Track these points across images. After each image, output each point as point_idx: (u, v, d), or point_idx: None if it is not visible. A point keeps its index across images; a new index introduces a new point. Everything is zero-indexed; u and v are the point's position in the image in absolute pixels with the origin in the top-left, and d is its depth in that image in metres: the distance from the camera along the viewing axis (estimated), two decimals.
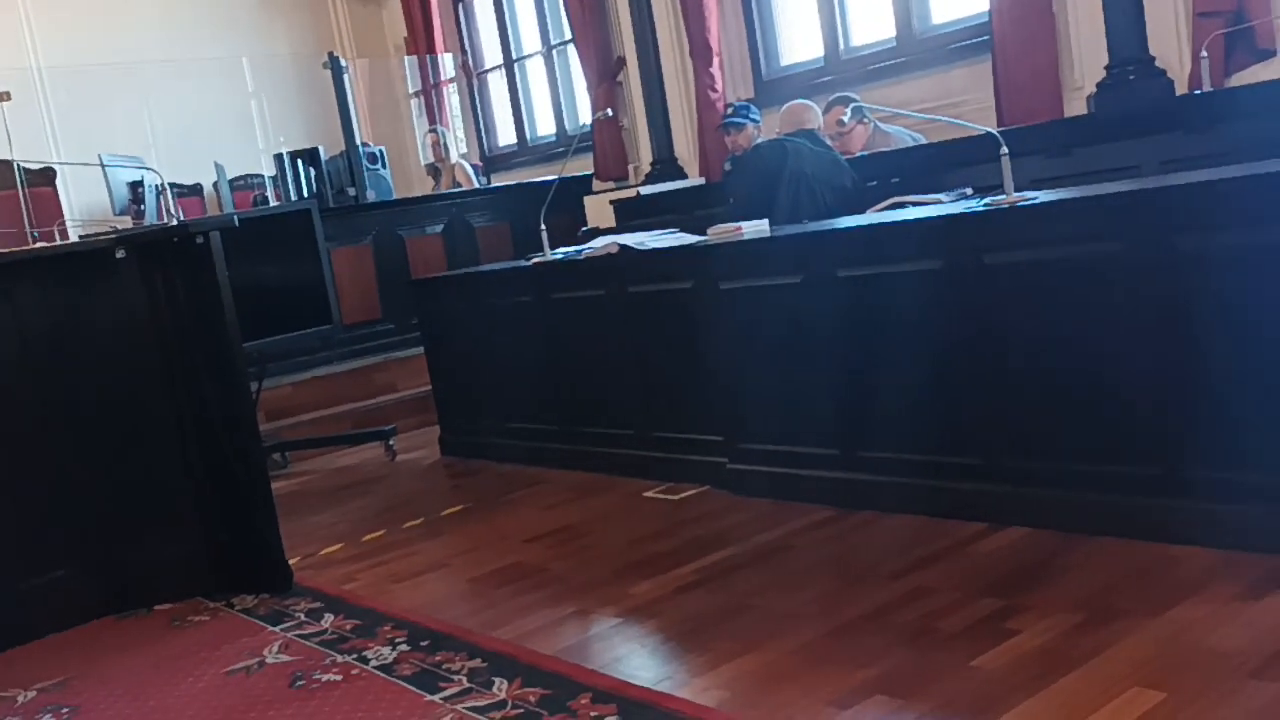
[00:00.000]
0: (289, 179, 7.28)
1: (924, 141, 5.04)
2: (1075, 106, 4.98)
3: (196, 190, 8.05)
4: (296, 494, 4.78)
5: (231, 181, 7.57)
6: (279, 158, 7.52)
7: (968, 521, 2.98)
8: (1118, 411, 2.70)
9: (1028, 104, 5.04)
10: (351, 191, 7.32)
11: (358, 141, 7.37)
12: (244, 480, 3.41)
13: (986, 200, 3.11)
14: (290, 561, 3.46)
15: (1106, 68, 4.79)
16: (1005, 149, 3.01)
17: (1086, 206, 2.88)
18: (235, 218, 3.59)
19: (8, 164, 6.47)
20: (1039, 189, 3.15)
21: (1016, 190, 3.01)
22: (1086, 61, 4.95)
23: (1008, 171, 3.01)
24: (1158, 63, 4.68)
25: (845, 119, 4.94)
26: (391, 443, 5.32)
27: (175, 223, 3.59)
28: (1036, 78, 5.05)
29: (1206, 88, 4.23)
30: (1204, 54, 4.23)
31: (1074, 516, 2.79)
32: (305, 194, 7.18)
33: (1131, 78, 4.69)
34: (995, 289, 2.91)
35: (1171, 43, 4.64)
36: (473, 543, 3.69)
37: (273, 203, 7.50)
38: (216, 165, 7.20)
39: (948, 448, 3.07)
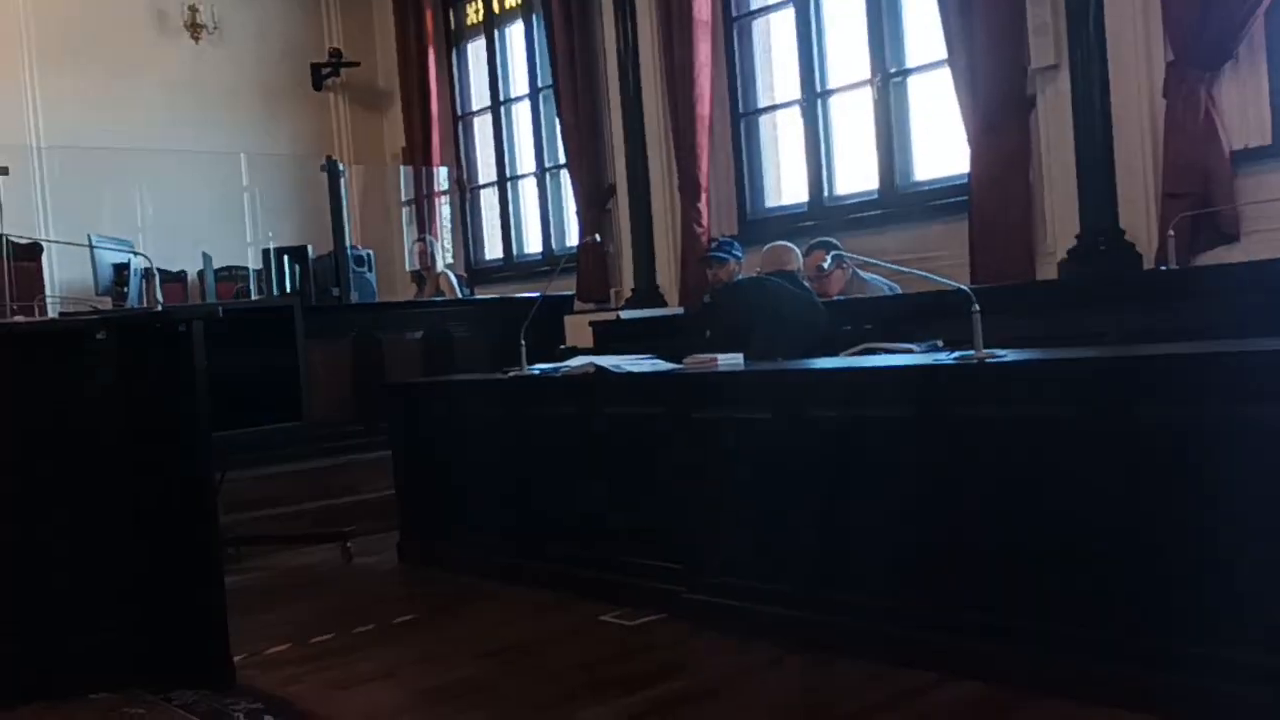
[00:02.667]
0: (274, 274, 7.35)
1: (899, 292, 5.17)
2: (1046, 270, 5.15)
3: (180, 277, 8.09)
4: (247, 590, 4.70)
5: (217, 271, 7.63)
6: (266, 252, 7.60)
7: (923, 670, 2.98)
8: (1075, 572, 2.73)
9: (1000, 264, 5.21)
10: (335, 291, 7.38)
11: (347, 243, 7.47)
12: (196, 571, 3.37)
13: (957, 354, 3.20)
14: (235, 658, 3.40)
15: (1078, 236, 4.98)
16: (977, 306, 3.11)
17: (1052, 369, 2.98)
18: (220, 309, 3.63)
19: None
20: (1008, 347, 3.25)
21: (986, 347, 3.10)
22: (1059, 228, 5.14)
23: (978, 328, 3.11)
24: (1127, 236, 4.88)
25: (825, 264, 5.08)
26: (349, 545, 5.27)
27: (159, 308, 3.63)
28: (1010, 239, 5.23)
29: (1173, 264, 4.40)
30: (1171, 232, 4.40)
31: (1028, 674, 2.79)
32: (289, 290, 7.24)
33: (1101, 248, 4.89)
34: (961, 441, 2.97)
35: (1141, 218, 4.84)
36: (423, 653, 3.64)
37: (256, 296, 7.55)
38: (204, 255, 7.26)
39: (907, 594, 3.09)
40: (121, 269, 7.14)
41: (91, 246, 6.78)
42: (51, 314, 6.15)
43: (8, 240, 6.58)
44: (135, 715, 3.13)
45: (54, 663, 3.29)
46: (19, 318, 5.43)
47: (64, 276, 7.74)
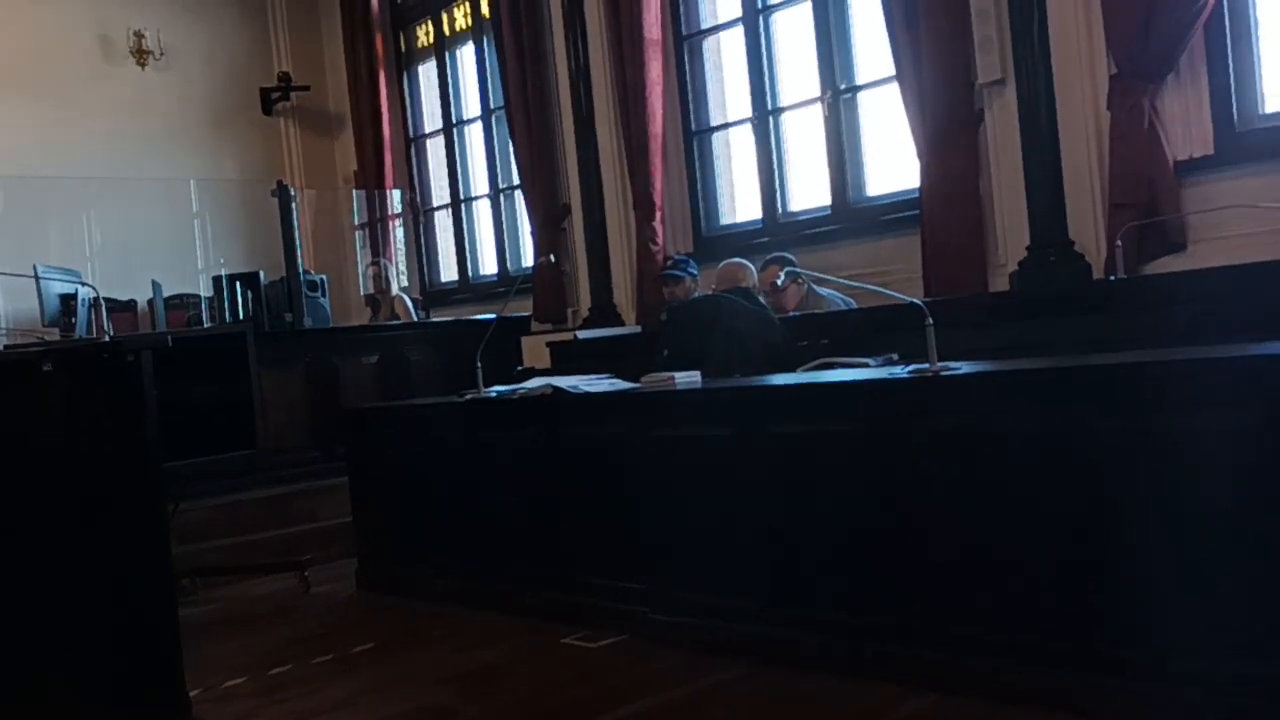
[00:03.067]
0: (226, 301, 7.26)
1: (854, 306, 5.21)
2: (998, 282, 5.21)
3: (130, 306, 7.98)
4: (204, 622, 4.63)
5: (167, 300, 7.53)
6: (218, 279, 7.51)
7: (882, 684, 2.98)
8: (1031, 583, 2.75)
9: (953, 277, 5.26)
10: (289, 317, 7.30)
11: (299, 269, 7.40)
12: (150, 604, 3.30)
13: (912, 368, 3.22)
14: (190, 693, 3.34)
15: (1028, 248, 5.04)
16: (930, 319, 3.13)
17: (1005, 380, 3.00)
18: (169, 338, 3.58)
19: None
20: (962, 360, 3.27)
21: (940, 360, 3.12)
22: (1009, 240, 5.20)
23: (932, 341, 3.13)
24: (1076, 246, 4.94)
25: (780, 279, 5.11)
26: (307, 574, 5.20)
27: (107, 338, 3.57)
28: (962, 253, 5.29)
29: (1121, 274, 4.46)
30: (1119, 243, 4.47)
31: (988, 685, 2.80)
32: (242, 317, 7.15)
33: (1051, 259, 4.95)
34: (918, 454, 2.98)
35: (1089, 229, 4.91)
36: (383, 682, 3.59)
37: (207, 323, 7.45)
38: (154, 283, 7.17)
39: (868, 608, 3.10)
40: (69, 299, 7.02)
41: (37, 277, 6.66)
42: None
43: None
44: None
45: (5, 704, 3.21)
46: None
47: (9, 308, 7.60)
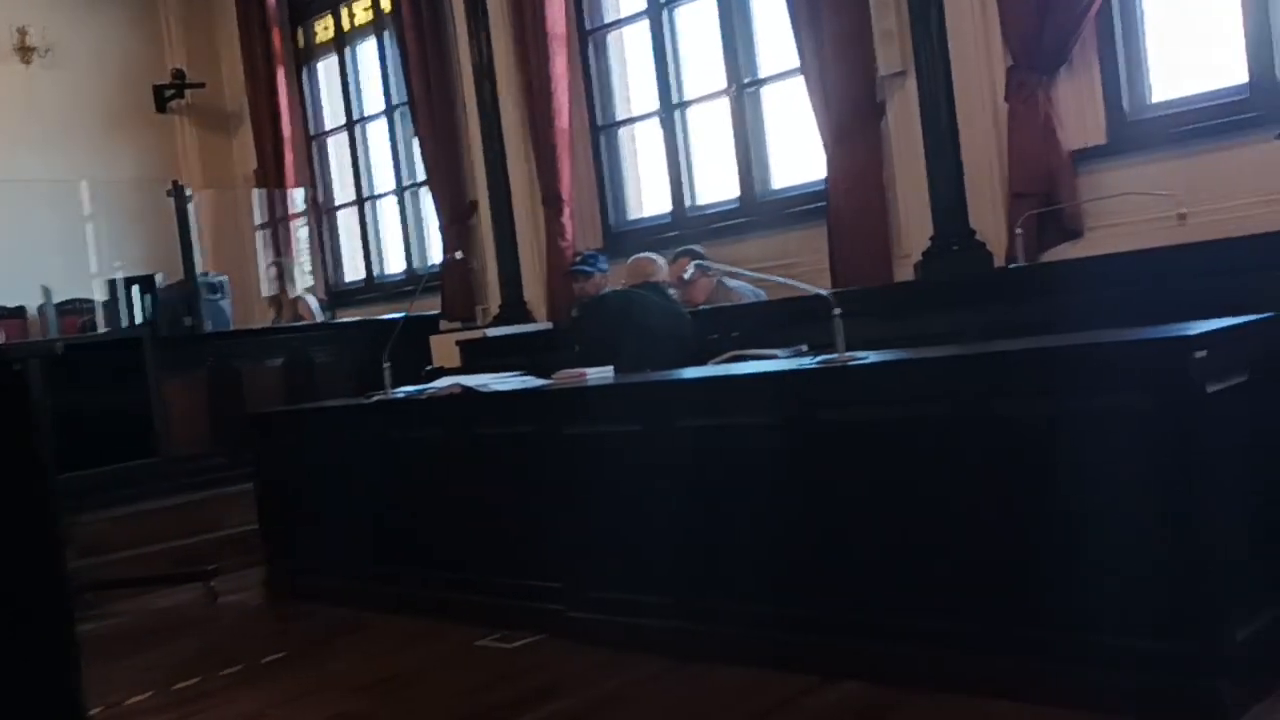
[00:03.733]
0: (122, 305, 7.04)
1: (764, 298, 5.24)
2: (904, 273, 5.28)
3: (20, 313, 7.69)
4: (105, 637, 4.48)
5: (60, 305, 7.27)
6: (112, 283, 7.28)
7: (805, 674, 2.99)
8: (946, 567, 2.79)
9: (859, 268, 5.31)
10: (188, 320, 7.11)
11: (197, 270, 7.21)
12: (44, 621, 3.17)
13: (820, 358, 3.24)
14: (91, 712, 3.22)
15: (931, 238, 5.12)
16: (838, 310, 3.16)
17: (912, 368, 3.04)
18: (60, 345, 3.44)
19: None
20: (870, 349, 3.31)
21: (849, 349, 3.15)
22: (913, 232, 5.28)
23: (839, 331, 3.15)
24: (978, 236, 5.03)
25: (689, 272, 5.11)
26: (212, 584, 5.06)
27: None
28: (867, 243, 5.35)
29: (1021, 262, 4.55)
30: (1019, 231, 4.56)
31: (904, 670, 2.84)
32: (139, 321, 6.95)
33: (954, 248, 5.03)
34: (828, 443, 3.00)
35: (990, 218, 5.00)
36: (295, 692, 3.51)
37: (102, 329, 7.22)
38: (44, 288, 6.92)
39: (782, 599, 3.11)
40: None
41: None
42: None
43: None
44: None
45: None
46: None
47: None
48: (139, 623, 4.78)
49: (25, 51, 8.46)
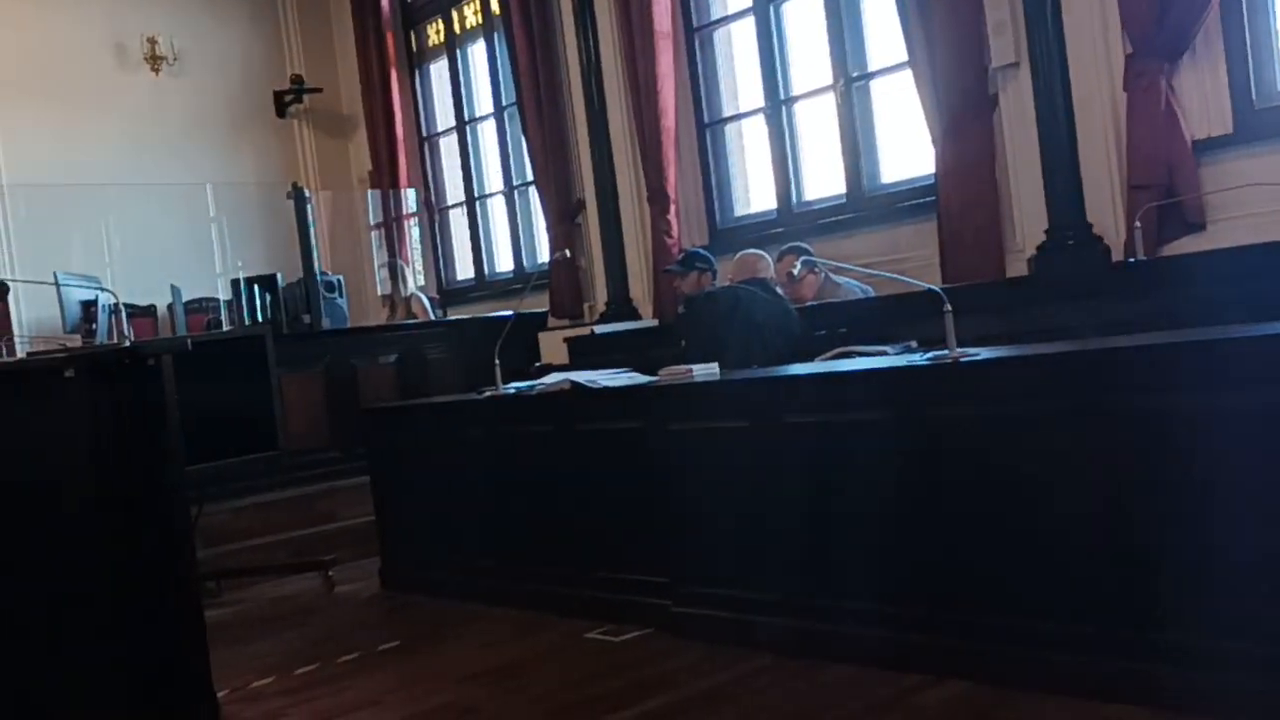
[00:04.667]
0: (244, 304, 7.29)
1: (872, 294, 5.19)
2: (1016, 268, 5.17)
3: (150, 311, 8.02)
4: (229, 623, 4.66)
5: (186, 304, 7.56)
6: (236, 283, 7.55)
7: (910, 673, 2.97)
8: (1057, 567, 2.74)
9: (970, 263, 5.22)
10: (307, 319, 7.33)
11: (316, 270, 7.43)
12: (176, 607, 3.32)
13: (930, 355, 3.21)
14: (218, 694, 3.35)
15: (1046, 232, 5.00)
16: (949, 306, 3.12)
17: (1026, 365, 2.99)
18: (189, 341, 3.60)
19: None
20: (981, 345, 3.26)
21: (959, 346, 3.11)
22: (1027, 225, 5.16)
23: (950, 328, 3.11)
24: (1095, 229, 4.90)
25: (796, 269, 5.09)
26: (331, 573, 5.22)
27: (127, 343, 3.59)
28: (979, 238, 5.25)
29: (1140, 256, 4.42)
30: (1138, 224, 4.43)
31: (1014, 671, 2.79)
32: (260, 319, 7.19)
33: (1070, 243, 4.91)
34: (938, 441, 2.97)
35: (1108, 212, 4.87)
36: (409, 679, 3.61)
37: (226, 326, 7.49)
38: (173, 288, 7.20)
39: (891, 597, 3.09)
40: (89, 305, 7.07)
41: (58, 284, 6.71)
42: (20, 354, 6.08)
43: None
44: None
45: (35, 704, 3.23)
46: None
47: (31, 315, 7.65)
48: (260, 610, 4.96)
49: (155, 61, 8.81)
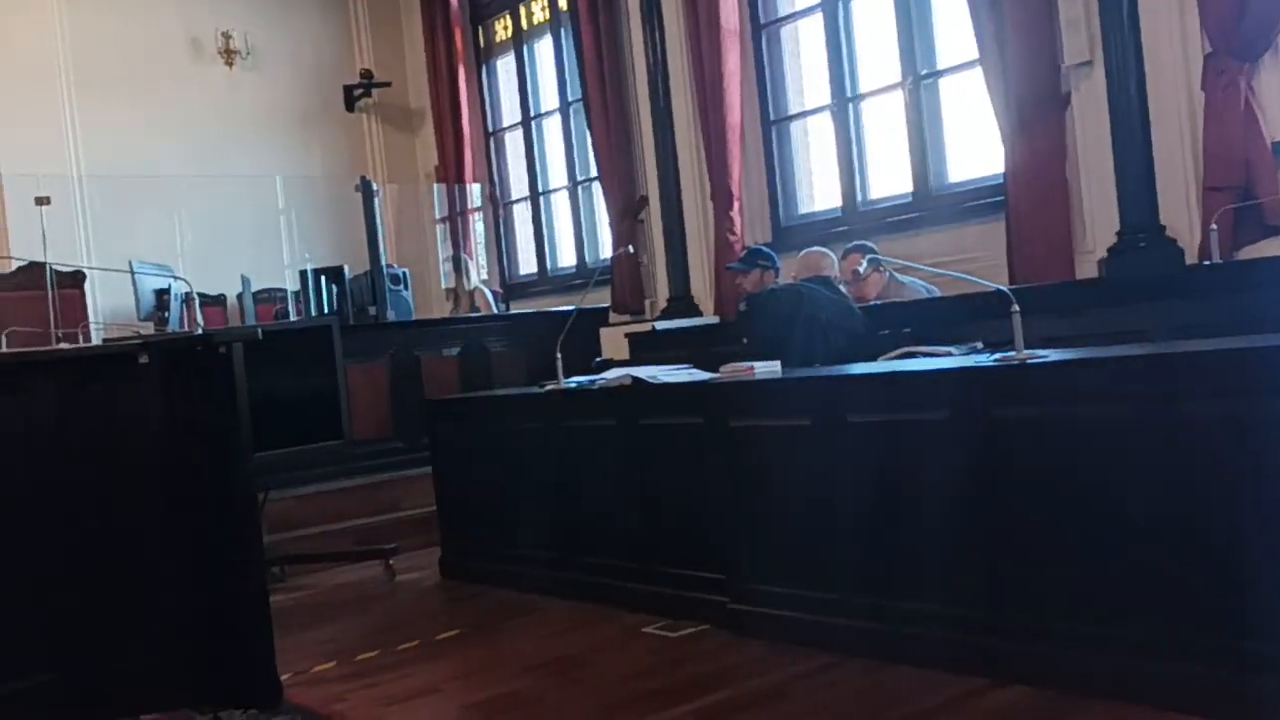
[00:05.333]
0: (312, 295, 7.41)
1: (937, 294, 5.13)
2: (1086, 269, 5.09)
3: (220, 300, 8.17)
4: (293, 608, 4.74)
5: (256, 294, 7.69)
6: (303, 273, 7.66)
7: (972, 675, 2.94)
8: (1123, 572, 2.69)
9: (1039, 263, 5.15)
10: (372, 310, 7.43)
11: (382, 262, 7.52)
12: (242, 591, 3.39)
13: (997, 355, 3.17)
14: (281, 677, 3.41)
15: (1118, 233, 4.91)
16: (1016, 306, 3.07)
17: (1095, 367, 2.94)
18: (259, 330, 3.66)
19: (41, 266, 6.61)
20: (1049, 348, 3.21)
21: (1027, 347, 3.07)
22: (1098, 226, 5.08)
23: (1018, 328, 3.07)
24: (1168, 231, 4.80)
25: (861, 268, 5.05)
26: (392, 562, 5.29)
27: (199, 331, 3.66)
28: (1048, 239, 5.17)
29: (1216, 259, 4.33)
30: (1214, 226, 4.33)
31: (1077, 677, 2.75)
32: (327, 310, 7.30)
33: (1142, 245, 4.81)
34: (1003, 443, 2.93)
35: (1182, 213, 4.77)
36: (467, 669, 3.64)
37: (294, 317, 7.61)
38: (242, 278, 7.33)
39: (955, 598, 3.05)
40: (162, 294, 7.22)
41: (133, 273, 6.86)
42: (95, 340, 6.24)
43: (51, 269, 6.67)
44: None
45: (104, 684, 3.32)
46: (64, 345, 5.51)
47: (106, 303, 7.83)
48: (323, 596, 5.03)
49: (229, 55, 8.98)
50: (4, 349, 5.92)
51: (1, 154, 7.92)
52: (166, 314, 6.90)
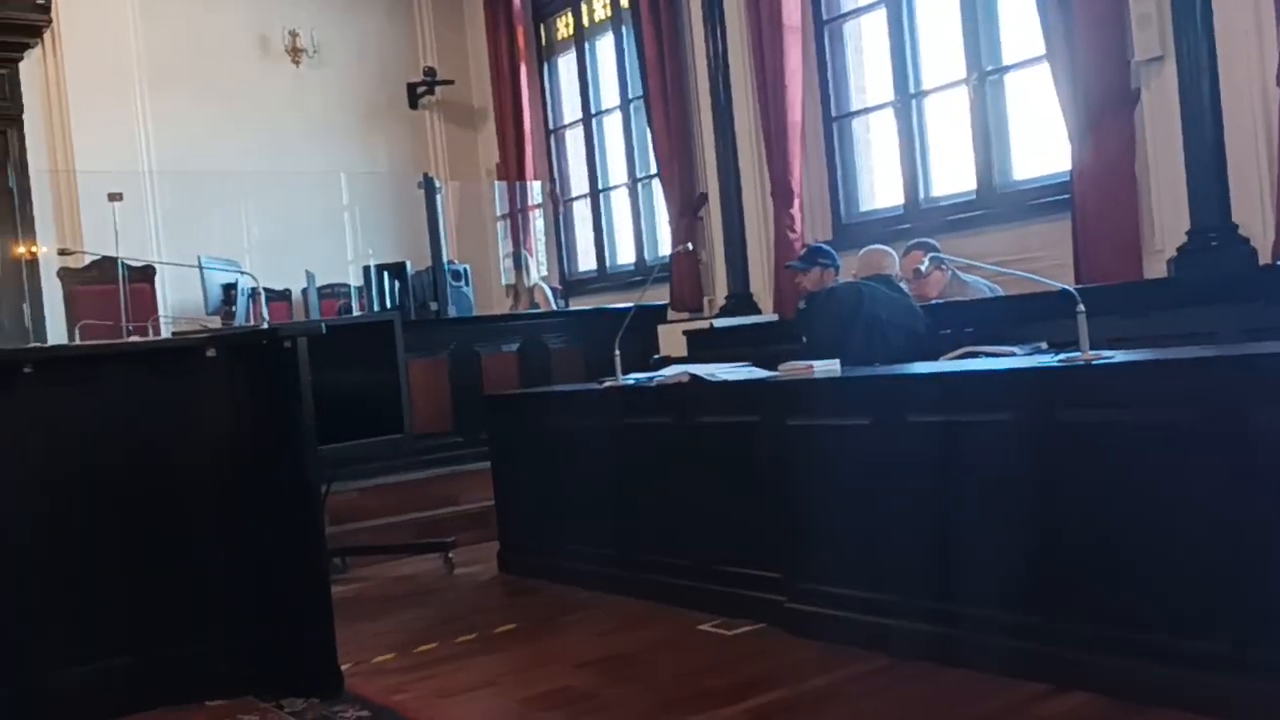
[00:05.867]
0: (374, 290, 7.50)
1: (1001, 293, 5.06)
2: (1155, 269, 4.99)
3: (285, 295, 8.30)
4: (353, 600, 4.80)
5: (320, 289, 7.81)
6: (367, 269, 7.77)
7: (1028, 681, 2.90)
8: (1187, 581, 2.64)
9: (1106, 263, 5.06)
10: (433, 306, 7.51)
11: (444, 259, 7.59)
12: (305, 582, 3.44)
13: (1062, 356, 3.12)
14: (342, 667, 3.46)
15: (1188, 233, 4.81)
16: (1082, 306, 3.02)
17: (1164, 369, 2.88)
18: (323, 325, 3.72)
19: (113, 261, 6.78)
20: (1116, 349, 3.15)
21: (1093, 348, 3.02)
22: (1168, 225, 4.98)
23: (1084, 329, 3.02)
24: (1240, 231, 4.70)
25: (923, 266, 5.00)
26: (450, 555, 5.33)
27: (265, 325, 3.72)
28: (1116, 238, 5.09)
29: None
30: None
31: (1139, 686, 2.70)
32: (389, 305, 7.39)
33: (1213, 244, 4.71)
34: (1066, 446, 2.88)
35: (1255, 212, 4.67)
36: (524, 663, 3.67)
37: (357, 312, 7.71)
38: (307, 273, 7.45)
39: (1012, 603, 3.01)
40: (229, 288, 7.36)
41: (201, 267, 7.01)
42: (165, 333, 6.37)
43: (123, 264, 6.84)
44: None
45: (171, 671, 3.39)
46: (135, 337, 5.64)
47: (175, 297, 8.00)
48: (383, 588, 5.09)
49: (296, 53, 9.12)
50: (77, 341, 6.07)
51: (77, 151, 8.13)
52: (233, 308, 7.03)
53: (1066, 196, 5.35)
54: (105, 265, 7.04)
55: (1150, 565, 2.71)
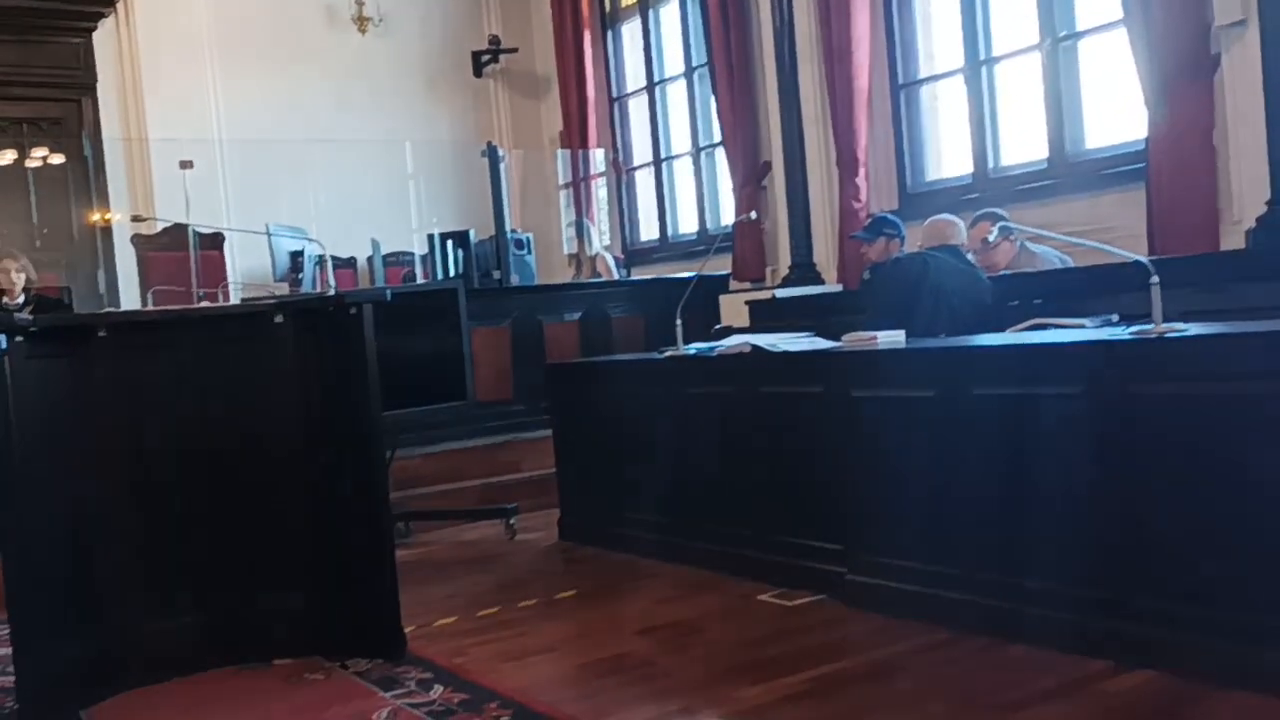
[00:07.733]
0: (438, 258, 7.56)
1: (1071, 264, 4.97)
2: (1233, 240, 4.86)
3: (351, 263, 8.40)
4: (417, 564, 4.87)
5: (384, 257, 7.88)
6: (431, 237, 7.82)
7: (1092, 658, 2.86)
8: (1259, 559, 2.58)
9: (1181, 234, 4.93)
10: (496, 275, 7.55)
11: (507, 227, 7.62)
12: (370, 546, 3.50)
13: (1134, 329, 3.05)
14: (406, 630, 3.52)
15: (1268, 203, 4.67)
16: (1155, 278, 2.96)
17: (1238, 343, 2.81)
18: (388, 292, 3.75)
19: (184, 228, 6.90)
20: (1189, 321, 3.08)
21: (1166, 321, 2.95)
22: (1247, 196, 4.84)
23: (1157, 301, 2.95)
24: None
25: (991, 236, 4.91)
26: (512, 521, 5.39)
27: (332, 292, 3.77)
28: (1192, 209, 4.95)
29: None
30: None
31: (1208, 666, 2.65)
32: (452, 274, 7.44)
33: None
34: (1139, 420, 2.83)
35: None
36: (584, 629, 3.70)
37: (421, 280, 7.78)
38: (373, 241, 7.52)
39: (1078, 579, 2.97)
40: (297, 256, 7.47)
41: (269, 235, 7.11)
42: (234, 299, 6.49)
43: (194, 231, 6.96)
44: (314, 681, 3.28)
45: (240, 631, 3.47)
46: (205, 303, 5.75)
47: (244, 264, 8.13)
48: (445, 553, 5.16)
49: (362, 21, 9.17)
50: (150, 306, 6.21)
51: (149, 119, 8.28)
52: (300, 275, 7.13)
53: (1141, 165, 5.22)
54: (176, 232, 7.17)
55: (1221, 543, 2.65)
